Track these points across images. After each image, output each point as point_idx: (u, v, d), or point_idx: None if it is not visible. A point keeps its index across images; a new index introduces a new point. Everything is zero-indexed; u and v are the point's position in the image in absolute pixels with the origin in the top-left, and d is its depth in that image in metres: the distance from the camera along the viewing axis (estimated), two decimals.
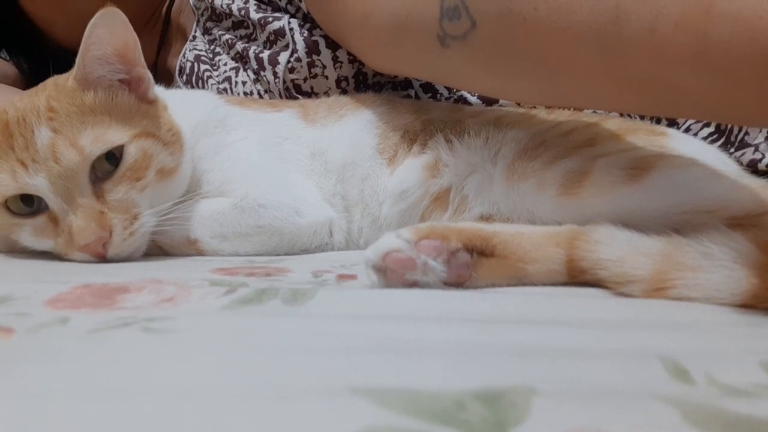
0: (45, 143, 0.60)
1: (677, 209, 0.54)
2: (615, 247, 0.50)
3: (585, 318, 0.40)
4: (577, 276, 0.52)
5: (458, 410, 0.23)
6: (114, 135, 0.63)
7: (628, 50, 0.50)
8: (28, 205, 0.62)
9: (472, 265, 0.50)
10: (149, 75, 0.70)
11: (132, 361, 0.31)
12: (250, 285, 0.49)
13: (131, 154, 0.64)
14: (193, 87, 1.00)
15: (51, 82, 0.68)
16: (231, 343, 0.34)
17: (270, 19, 0.90)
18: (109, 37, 0.64)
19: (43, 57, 1.11)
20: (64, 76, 0.67)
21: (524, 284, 0.52)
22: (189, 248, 0.69)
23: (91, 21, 0.63)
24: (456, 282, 0.50)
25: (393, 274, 0.49)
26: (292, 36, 0.87)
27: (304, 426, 0.22)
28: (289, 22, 0.88)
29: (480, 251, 0.51)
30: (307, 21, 0.88)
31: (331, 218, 0.73)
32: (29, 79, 1.10)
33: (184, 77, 1.01)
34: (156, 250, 0.69)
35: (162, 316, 0.38)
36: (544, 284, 0.52)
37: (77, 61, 0.65)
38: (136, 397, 0.26)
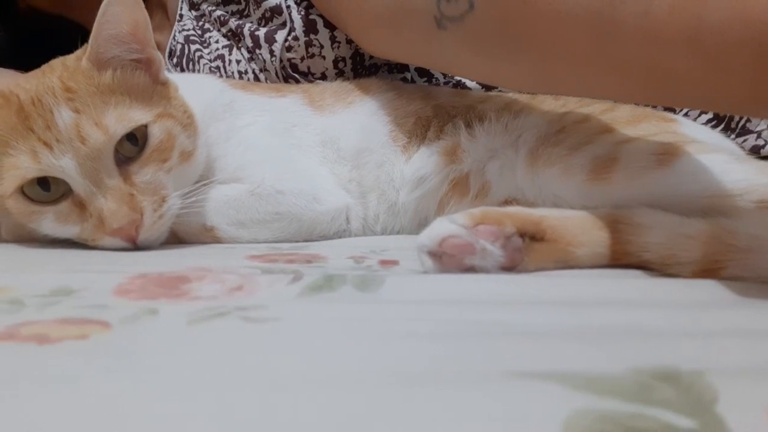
0: (68, 123, 0.58)
1: (706, 193, 0.56)
2: (660, 230, 0.51)
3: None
4: (621, 259, 0.53)
5: (648, 391, 0.23)
6: (137, 114, 0.61)
7: (623, 33, 0.51)
8: (45, 189, 0.59)
9: (524, 249, 0.51)
10: (160, 56, 0.67)
11: (248, 350, 0.30)
12: (305, 272, 0.48)
13: (155, 135, 0.62)
14: (183, 69, 0.96)
15: (58, 62, 0.64)
16: (340, 330, 0.33)
17: None
18: (123, 15, 0.62)
19: (14, 20, 1.05)
20: (72, 56, 0.64)
21: (570, 267, 0.53)
22: (205, 236, 0.67)
23: None
24: (510, 266, 0.50)
25: (450, 259, 0.49)
26: (290, 14, 0.85)
27: (510, 412, 0.22)
28: (286, 0, 0.86)
29: (531, 235, 0.51)
30: None
31: (348, 204, 0.73)
32: (6, 47, 1.04)
33: (175, 59, 0.97)
34: (171, 238, 0.66)
35: (252, 305, 0.37)
36: (589, 267, 0.53)
37: (90, 40, 0.62)
38: (267, 386, 0.25)
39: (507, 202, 0.68)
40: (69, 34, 0.92)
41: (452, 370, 0.27)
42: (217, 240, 0.68)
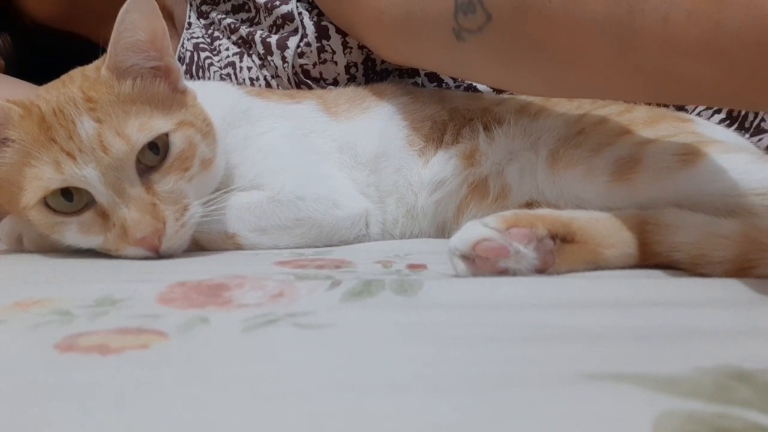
0: (90, 133, 0.58)
1: (732, 192, 0.56)
2: (689, 230, 0.52)
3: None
4: (649, 259, 0.53)
5: (727, 391, 0.24)
6: (158, 123, 0.61)
7: (641, 40, 0.51)
8: (68, 200, 0.59)
9: (555, 251, 0.51)
10: (178, 65, 0.67)
11: (317, 357, 0.30)
12: (341, 277, 0.48)
13: (177, 143, 0.62)
14: (193, 77, 0.96)
15: (77, 72, 0.64)
16: (399, 335, 0.33)
17: (277, 2, 0.88)
18: (141, 23, 0.62)
19: (18, 33, 1.05)
20: (92, 66, 0.65)
21: (599, 269, 0.53)
22: (227, 243, 0.67)
23: (123, 7, 0.60)
24: (543, 269, 0.50)
25: (484, 262, 0.49)
26: (302, 20, 0.85)
27: (598, 413, 0.22)
28: (297, 6, 0.86)
29: (562, 237, 0.52)
30: (315, 6, 0.86)
31: (367, 209, 0.73)
32: (13, 59, 1.04)
33: (184, 67, 0.97)
34: (191, 245, 0.66)
35: (301, 312, 0.37)
36: (618, 268, 0.53)
37: (108, 49, 0.62)
38: (353, 392, 0.25)
39: (527, 205, 0.68)
40: (74, 48, 0.92)
41: (525, 373, 0.27)
42: (238, 247, 0.68)
